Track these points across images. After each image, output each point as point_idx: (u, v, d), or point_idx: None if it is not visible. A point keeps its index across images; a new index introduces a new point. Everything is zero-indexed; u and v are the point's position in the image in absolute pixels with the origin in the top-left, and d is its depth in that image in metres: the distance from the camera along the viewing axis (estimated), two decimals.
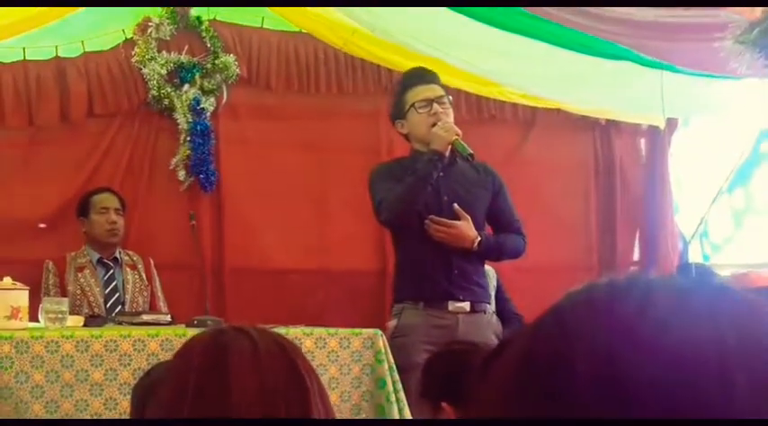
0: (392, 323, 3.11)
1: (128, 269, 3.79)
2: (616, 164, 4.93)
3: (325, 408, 1.04)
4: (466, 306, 3.03)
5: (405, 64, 4.11)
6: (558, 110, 4.62)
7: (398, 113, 3.15)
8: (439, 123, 3.02)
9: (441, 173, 3.03)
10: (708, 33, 3.25)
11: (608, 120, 4.86)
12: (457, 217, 3.04)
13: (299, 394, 1.01)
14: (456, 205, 3.05)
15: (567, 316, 0.52)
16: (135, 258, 3.86)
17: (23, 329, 2.62)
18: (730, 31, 2.91)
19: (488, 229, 3.22)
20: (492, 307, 3.26)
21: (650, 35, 3.61)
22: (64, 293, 3.58)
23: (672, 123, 4.92)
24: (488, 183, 3.18)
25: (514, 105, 4.63)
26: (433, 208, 3.03)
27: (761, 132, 4.84)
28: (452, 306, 3.03)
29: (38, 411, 2.49)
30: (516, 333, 0.56)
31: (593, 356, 0.48)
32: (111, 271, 3.76)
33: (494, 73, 4.26)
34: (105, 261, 3.77)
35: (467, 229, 3.03)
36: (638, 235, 4.99)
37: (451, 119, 3.09)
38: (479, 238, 3.05)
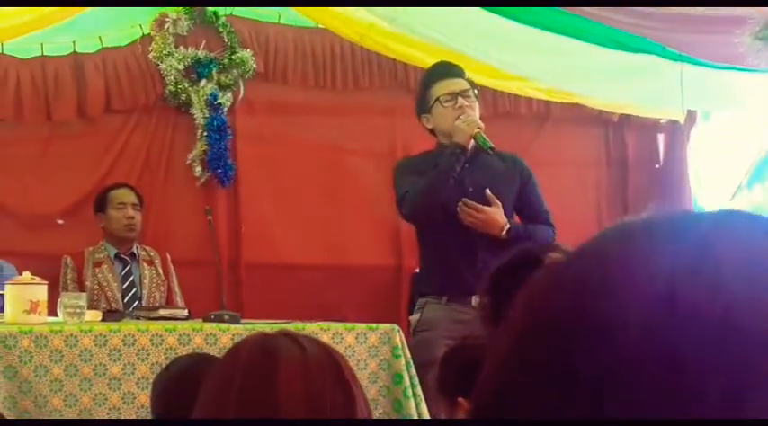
0: (415, 317, 3.09)
1: (145, 264, 3.81)
2: (629, 159, 4.90)
3: (369, 415, 1.03)
4: None
5: (422, 58, 4.10)
6: (574, 106, 4.59)
7: (424, 107, 3.13)
8: (462, 116, 3.00)
9: (466, 165, 3.00)
10: (732, 26, 3.21)
11: (621, 116, 4.82)
12: (487, 204, 3.02)
13: (345, 401, 1.01)
14: (488, 190, 3.01)
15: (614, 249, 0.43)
16: (152, 253, 3.87)
17: (42, 323, 2.64)
18: (749, 28, 2.87)
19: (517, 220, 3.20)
20: None
21: (675, 28, 3.58)
22: (82, 288, 3.61)
23: (691, 118, 4.88)
24: (515, 174, 3.14)
25: (529, 100, 4.61)
26: (458, 199, 3.00)
27: None
28: (475, 301, 3.01)
29: (57, 404, 2.50)
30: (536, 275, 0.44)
31: (643, 302, 0.39)
32: (129, 267, 3.78)
33: (513, 65, 4.24)
34: (123, 256, 3.79)
35: (496, 215, 3.00)
36: None
37: (477, 112, 3.07)
38: (509, 225, 3.03)
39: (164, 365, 2.63)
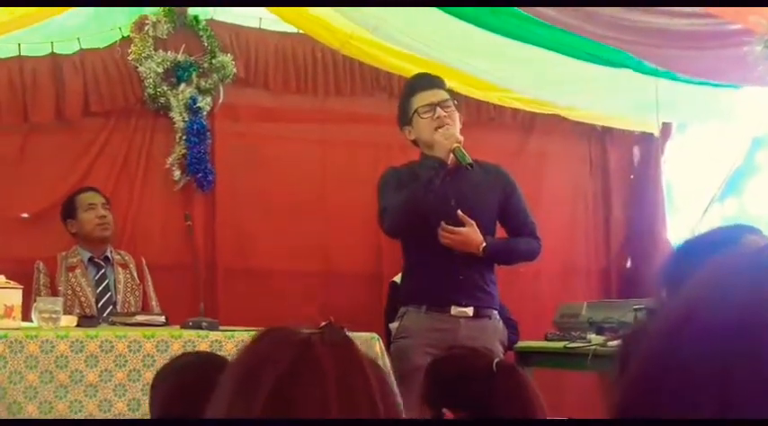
0: (395, 325, 3.10)
1: (119, 268, 3.75)
2: (610, 170, 4.94)
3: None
4: (469, 310, 3.02)
5: (403, 66, 4.10)
6: (557, 116, 4.62)
7: (404, 120, 3.14)
8: (440, 130, 3.01)
9: (448, 178, 3.01)
10: (711, 40, 3.23)
11: (603, 127, 4.86)
12: (462, 223, 3.03)
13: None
14: (460, 211, 3.02)
15: None
16: (126, 257, 3.82)
17: (17, 328, 2.59)
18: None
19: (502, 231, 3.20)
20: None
21: (656, 43, 3.61)
22: (55, 293, 3.54)
23: (666, 130, 4.93)
24: (498, 186, 3.16)
25: (514, 109, 4.62)
26: (441, 212, 3.01)
27: (754, 141, 4.83)
28: (455, 310, 3.02)
29: (31, 411, 2.46)
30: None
31: None
32: (103, 271, 3.72)
33: (492, 75, 4.25)
34: (96, 260, 3.73)
35: (471, 234, 3.02)
36: (628, 243, 4.98)
37: (458, 122, 3.07)
38: (484, 243, 3.03)
39: (141, 372, 2.60)
